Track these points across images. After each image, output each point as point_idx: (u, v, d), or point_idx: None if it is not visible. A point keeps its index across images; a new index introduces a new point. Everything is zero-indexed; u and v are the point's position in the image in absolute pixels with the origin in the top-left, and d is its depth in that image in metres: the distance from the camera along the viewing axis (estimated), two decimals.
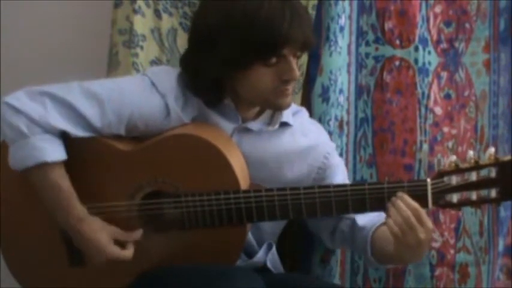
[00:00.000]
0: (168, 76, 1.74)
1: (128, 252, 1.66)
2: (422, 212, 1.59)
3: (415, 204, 1.59)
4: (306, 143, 1.83)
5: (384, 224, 1.70)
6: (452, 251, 2.18)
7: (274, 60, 1.66)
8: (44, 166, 1.62)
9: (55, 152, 1.63)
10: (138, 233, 1.67)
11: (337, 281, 2.09)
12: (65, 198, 1.64)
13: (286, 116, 1.80)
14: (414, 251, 1.61)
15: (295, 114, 1.84)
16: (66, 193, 1.64)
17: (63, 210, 1.64)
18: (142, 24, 2.07)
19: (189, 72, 1.73)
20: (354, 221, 1.78)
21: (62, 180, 1.64)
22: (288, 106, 1.75)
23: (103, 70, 2.11)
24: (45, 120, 1.62)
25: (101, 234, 1.65)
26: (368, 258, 1.77)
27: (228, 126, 1.76)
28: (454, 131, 2.18)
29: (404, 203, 1.59)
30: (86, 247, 1.66)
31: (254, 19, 1.62)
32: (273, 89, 1.69)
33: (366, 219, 1.77)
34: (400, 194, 1.61)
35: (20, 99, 1.63)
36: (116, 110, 1.67)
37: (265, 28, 1.62)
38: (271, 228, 1.83)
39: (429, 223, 1.59)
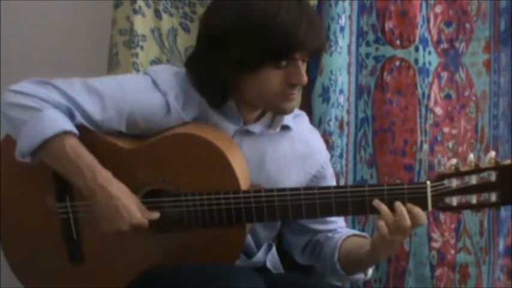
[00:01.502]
0: (169, 75, 1.73)
1: (146, 222, 1.64)
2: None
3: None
4: (304, 150, 1.82)
5: (355, 235, 1.79)
6: (452, 251, 2.18)
7: (284, 63, 1.65)
8: (63, 135, 1.61)
9: (71, 125, 1.63)
10: (156, 214, 1.65)
11: (337, 281, 2.08)
12: (88, 161, 1.62)
13: (287, 119, 1.79)
14: (396, 243, 1.64)
15: (295, 117, 1.83)
16: (89, 156, 1.63)
17: (89, 172, 1.61)
18: (142, 24, 2.07)
19: (195, 71, 1.72)
20: (332, 231, 1.81)
21: (82, 147, 1.63)
22: (291, 111, 1.74)
23: (103, 70, 2.11)
24: (52, 98, 1.63)
25: (131, 199, 1.63)
26: (333, 263, 1.77)
27: (229, 127, 1.75)
28: (454, 131, 2.18)
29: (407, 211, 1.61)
30: (113, 209, 1.61)
31: (271, 22, 1.61)
32: (280, 92, 1.68)
33: (338, 232, 1.82)
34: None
35: (24, 85, 1.65)
36: (116, 106, 1.67)
37: (282, 32, 1.61)
38: (265, 232, 1.82)
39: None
